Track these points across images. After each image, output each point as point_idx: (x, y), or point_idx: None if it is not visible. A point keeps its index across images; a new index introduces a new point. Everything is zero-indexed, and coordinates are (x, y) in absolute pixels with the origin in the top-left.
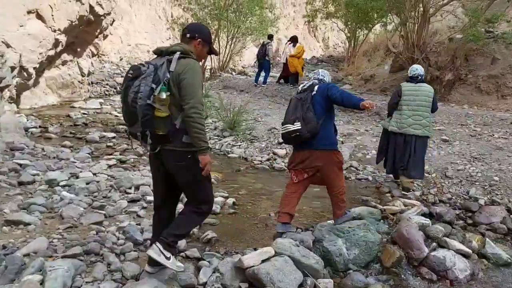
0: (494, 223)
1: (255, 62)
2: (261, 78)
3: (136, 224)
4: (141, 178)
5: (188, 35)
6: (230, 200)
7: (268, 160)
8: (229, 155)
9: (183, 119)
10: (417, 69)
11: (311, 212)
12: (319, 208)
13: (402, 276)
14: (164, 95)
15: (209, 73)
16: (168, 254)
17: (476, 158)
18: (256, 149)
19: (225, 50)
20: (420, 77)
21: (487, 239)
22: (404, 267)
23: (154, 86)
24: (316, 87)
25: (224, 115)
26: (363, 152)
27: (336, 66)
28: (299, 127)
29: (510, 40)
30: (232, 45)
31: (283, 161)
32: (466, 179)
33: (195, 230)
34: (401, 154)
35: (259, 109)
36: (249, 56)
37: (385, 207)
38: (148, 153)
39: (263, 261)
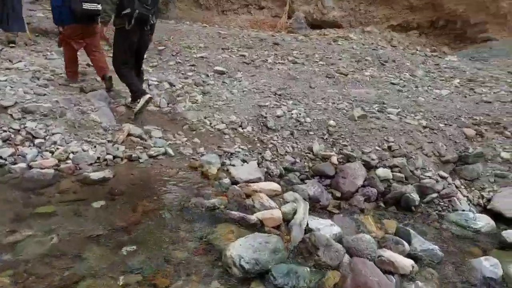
0: (363, 188)
1: None
2: None
3: None
4: None
5: None
6: None
7: None
8: None
9: None
10: None
11: None
12: None
13: None
14: None
15: None
16: None
17: (280, 95)
18: None
19: None
20: None
21: (411, 230)
22: None
23: None
24: None
25: None
26: None
27: None
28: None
29: None
30: None
31: None
32: (295, 128)
33: None
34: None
35: None
36: None
37: (256, 215)
38: None
39: None
